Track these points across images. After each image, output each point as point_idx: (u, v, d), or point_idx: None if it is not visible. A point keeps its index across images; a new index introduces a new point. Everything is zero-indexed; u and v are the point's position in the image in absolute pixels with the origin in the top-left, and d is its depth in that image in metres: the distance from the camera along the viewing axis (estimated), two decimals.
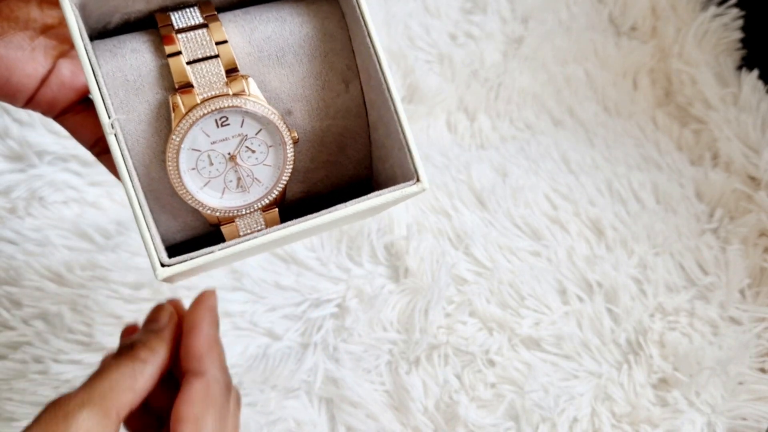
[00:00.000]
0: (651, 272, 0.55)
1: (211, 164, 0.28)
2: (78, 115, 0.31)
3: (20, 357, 0.49)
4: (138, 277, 0.51)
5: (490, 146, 0.63)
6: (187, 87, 0.27)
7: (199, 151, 0.28)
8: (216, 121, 0.28)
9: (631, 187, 0.60)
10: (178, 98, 0.27)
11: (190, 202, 0.29)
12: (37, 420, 0.27)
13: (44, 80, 0.29)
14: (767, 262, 0.57)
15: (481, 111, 0.64)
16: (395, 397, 0.49)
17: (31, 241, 0.52)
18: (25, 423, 0.47)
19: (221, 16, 0.30)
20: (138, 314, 0.50)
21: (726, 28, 0.68)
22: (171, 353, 0.33)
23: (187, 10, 0.28)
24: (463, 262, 0.54)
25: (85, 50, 0.26)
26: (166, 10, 0.29)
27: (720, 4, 0.68)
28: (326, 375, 0.49)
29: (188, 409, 0.30)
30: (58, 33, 0.30)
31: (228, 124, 0.28)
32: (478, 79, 0.65)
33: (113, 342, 0.49)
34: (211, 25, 0.28)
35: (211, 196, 0.29)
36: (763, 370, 0.53)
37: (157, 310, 0.34)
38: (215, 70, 0.27)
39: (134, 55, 0.28)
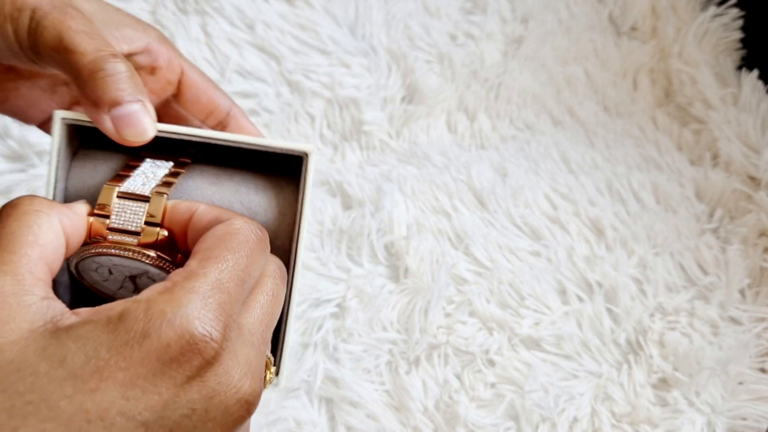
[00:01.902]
0: (651, 272, 0.55)
1: (111, 274, 0.29)
2: None
3: None
4: None
5: (490, 146, 0.63)
6: (103, 216, 0.28)
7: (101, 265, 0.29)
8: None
9: (631, 187, 0.60)
10: (92, 219, 0.28)
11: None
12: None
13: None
14: (767, 262, 0.57)
15: (481, 111, 0.64)
16: (395, 397, 0.49)
17: None
18: None
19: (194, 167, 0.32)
20: None
21: (726, 28, 0.68)
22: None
23: (155, 166, 0.30)
24: (463, 262, 0.54)
25: (56, 165, 0.29)
26: (151, 149, 0.30)
27: (720, 4, 0.68)
28: (326, 375, 0.49)
29: (204, 244, 0.24)
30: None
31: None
32: (478, 79, 0.65)
33: None
34: (155, 194, 0.28)
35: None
36: (763, 370, 0.53)
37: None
38: (138, 210, 0.28)
39: (92, 172, 0.31)
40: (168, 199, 0.28)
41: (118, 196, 0.28)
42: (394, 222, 0.54)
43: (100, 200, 0.28)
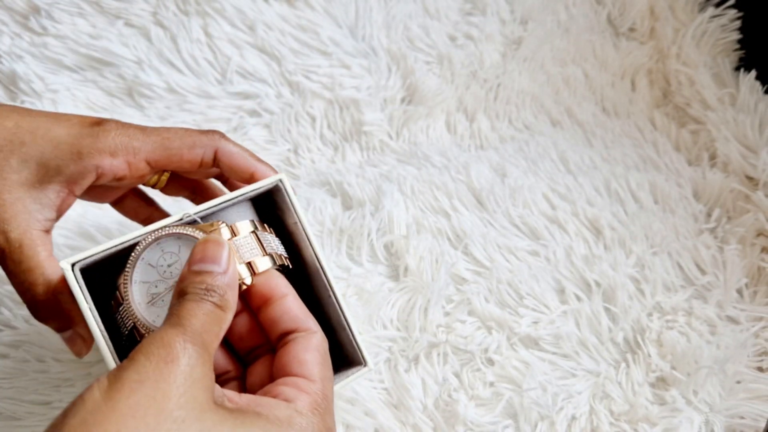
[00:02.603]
0: (649, 272, 0.56)
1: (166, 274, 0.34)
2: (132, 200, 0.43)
3: (21, 356, 0.49)
4: None
5: (489, 147, 0.63)
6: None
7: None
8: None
9: (629, 187, 0.60)
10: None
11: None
12: (139, 350, 0.27)
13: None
14: (765, 262, 0.57)
15: (480, 112, 0.64)
16: (394, 395, 0.49)
17: None
18: (26, 422, 0.47)
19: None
20: None
21: (724, 29, 0.68)
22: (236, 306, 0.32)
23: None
24: (462, 261, 0.54)
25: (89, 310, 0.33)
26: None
27: (718, 5, 0.68)
28: None
29: (319, 370, 0.32)
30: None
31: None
32: (478, 80, 0.65)
33: None
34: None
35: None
36: (760, 369, 0.53)
37: (214, 246, 0.31)
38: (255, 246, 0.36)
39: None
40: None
41: (251, 232, 0.35)
42: (394, 222, 0.55)
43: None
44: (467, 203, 0.58)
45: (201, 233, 0.33)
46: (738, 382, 0.52)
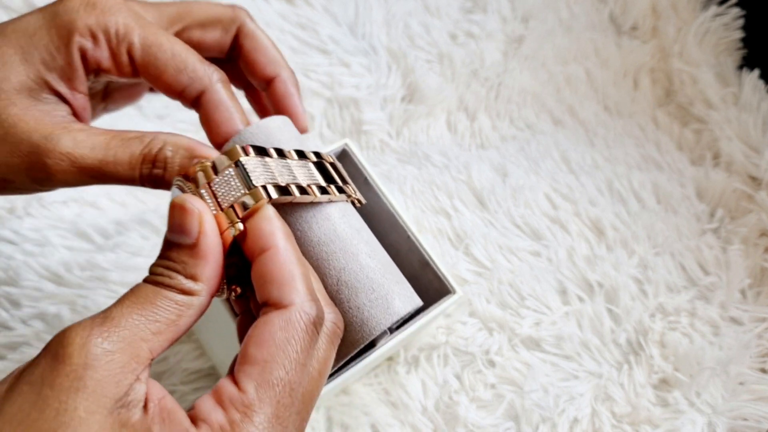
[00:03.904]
0: (651, 272, 0.55)
1: None
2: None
3: (18, 357, 0.48)
4: (137, 277, 0.51)
5: (490, 146, 0.63)
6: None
7: None
8: None
9: (631, 186, 0.60)
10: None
11: None
12: (46, 346, 0.22)
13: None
14: None
15: (481, 111, 0.64)
16: (394, 397, 0.49)
17: (30, 241, 0.52)
18: None
19: None
20: None
21: (727, 27, 0.68)
22: (218, 276, 0.26)
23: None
24: (463, 261, 0.54)
25: None
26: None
27: (721, 3, 0.68)
28: None
29: (259, 351, 0.24)
30: None
31: None
32: (479, 78, 0.65)
33: None
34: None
35: None
36: (763, 371, 0.53)
37: (179, 212, 0.25)
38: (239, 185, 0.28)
39: None
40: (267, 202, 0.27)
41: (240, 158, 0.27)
42: None
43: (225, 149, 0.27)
44: (468, 203, 0.57)
45: (181, 183, 0.28)
46: (741, 384, 0.52)
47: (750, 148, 0.62)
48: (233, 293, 0.27)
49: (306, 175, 0.29)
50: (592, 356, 0.52)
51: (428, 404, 0.49)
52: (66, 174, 0.29)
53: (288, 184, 0.28)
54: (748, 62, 0.67)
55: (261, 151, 0.28)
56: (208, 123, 0.32)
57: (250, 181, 0.26)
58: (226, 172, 0.27)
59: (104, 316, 0.23)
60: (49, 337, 0.48)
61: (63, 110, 0.31)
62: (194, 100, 0.32)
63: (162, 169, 0.29)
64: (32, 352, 0.48)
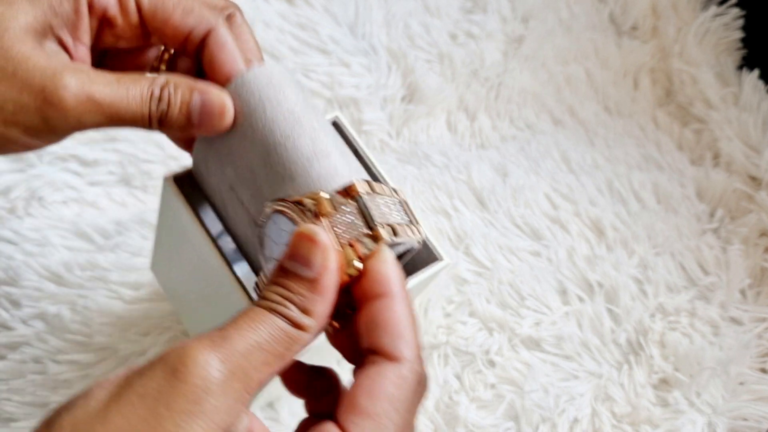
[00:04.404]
0: (651, 272, 0.55)
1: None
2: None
3: (19, 357, 0.48)
4: (137, 277, 0.51)
5: (490, 146, 0.63)
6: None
7: None
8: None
9: (631, 186, 0.60)
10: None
11: None
12: (160, 358, 0.22)
13: None
14: None
15: (481, 111, 0.64)
16: None
17: (31, 241, 0.52)
18: (24, 423, 0.47)
19: None
20: (138, 315, 0.50)
21: (727, 27, 0.68)
22: (329, 315, 0.25)
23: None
24: (463, 262, 0.54)
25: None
26: None
27: (720, 3, 0.68)
28: None
29: (373, 404, 0.23)
30: None
31: None
32: (479, 78, 0.65)
33: (112, 342, 0.49)
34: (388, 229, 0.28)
35: None
36: (763, 371, 0.53)
37: (306, 244, 0.24)
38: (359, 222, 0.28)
39: None
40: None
41: (366, 193, 0.27)
42: None
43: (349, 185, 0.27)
44: (468, 203, 0.57)
45: (299, 211, 0.27)
46: (741, 384, 0.52)
47: (750, 148, 0.62)
48: (332, 328, 0.27)
49: (399, 212, 0.29)
50: (592, 356, 0.52)
51: (428, 404, 0.49)
52: (82, 110, 0.28)
53: (399, 224, 0.27)
54: (748, 62, 0.67)
55: (371, 186, 0.27)
56: (211, 64, 0.31)
57: (372, 220, 0.26)
58: (347, 208, 0.26)
59: (222, 335, 0.22)
60: (49, 337, 0.48)
61: (66, 58, 0.30)
62: (197, 46, 0.32)
63: (166, 105, 0.30)
64: (32, 352, 0.48)
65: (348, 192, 0.27)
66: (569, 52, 0.67)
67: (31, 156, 0.54)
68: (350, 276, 0.25)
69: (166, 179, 0.35)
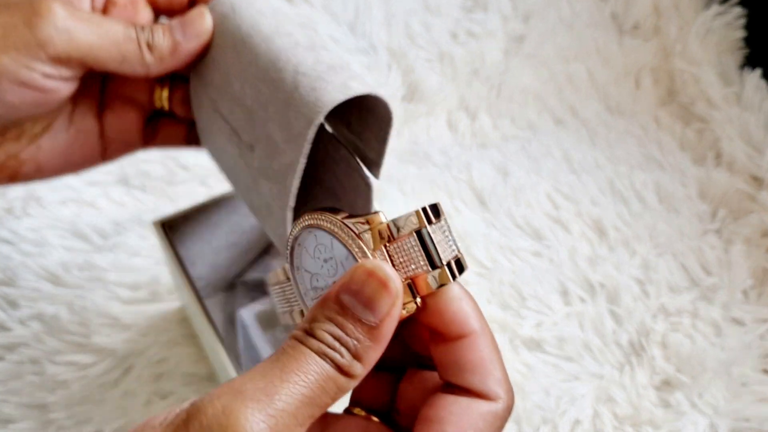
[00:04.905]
0: (653, 273, 0.55)
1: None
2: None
3: (16, 358, 0.48)
4: (136, 277, 0.51)
5: (491, 145, 0.62)
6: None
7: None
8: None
9: (633, 186, 0.60)
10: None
11: None
12: (198, 412, 0.19)
13: None
14: None
15: (482, 110, 0.64)
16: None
17: (28, 241, 0.52)
18: (21, 425, 0.46)
19: None
20: (136, 315, 0.50)
21: (729, 26, 0.67)
22: (377, 361, 0.23)
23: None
24: None
25: None
26: None
27: (722, 2, 0.68)
28: None
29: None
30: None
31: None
32: (479, 77, 0.64)
33: (110, 343, 0.49)
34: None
35: None
36: (766, 372, 0.52)
37: (373, 285, 0.22)
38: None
39: None
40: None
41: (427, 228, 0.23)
42: None
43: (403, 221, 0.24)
44: (469, 203, 0.57)
45: (355, 239, 0.24)
46: (743, 385, 0.51)
47: (752, 148, 0.62)
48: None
49: (453, 238, 0.26)
50: (594, 357, 0.51)
51: None
52: (72, 23, 0.30)
53: (461, 256, 0.24)
54: (750, 61, 0.67)
55: (435, 212, 0.24)
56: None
57: (439, 256, 0.23)
58: (409, 240, 0.23)
59: (267, 390, 0.20)
60: (46, 338, 0.48)
61: None
62: None
63: (150, 33, 0.32)
64: (30, 353, 0.48)
65: (411, 222, 0.23)
66: (570, 51, 0.67)
67: None
68: (408, 311, 0.23)
69: (154, 224, 0.37)
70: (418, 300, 0.23)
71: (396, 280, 0.22)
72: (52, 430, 0.46)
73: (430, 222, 0.23)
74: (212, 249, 0.43)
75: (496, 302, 0.52)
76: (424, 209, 0.24)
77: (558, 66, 0.66)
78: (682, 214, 0.59)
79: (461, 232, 0.55)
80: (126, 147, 0.36)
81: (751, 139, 0.62)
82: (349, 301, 0.22)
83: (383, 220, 0.24)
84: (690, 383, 0.50)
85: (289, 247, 0.26)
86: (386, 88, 0.62)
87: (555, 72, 0.66)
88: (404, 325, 0.24)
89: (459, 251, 0.24)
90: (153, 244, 0.52)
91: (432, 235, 0.23)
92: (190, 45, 0.32)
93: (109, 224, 0.53)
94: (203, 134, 0.35)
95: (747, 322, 0.54)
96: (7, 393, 0.47)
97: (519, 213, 0.56)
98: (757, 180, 0.61)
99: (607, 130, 0.64)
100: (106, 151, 0.36)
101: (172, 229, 0.41)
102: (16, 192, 0.53)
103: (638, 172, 0.61)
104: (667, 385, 0.51)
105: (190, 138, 0.37)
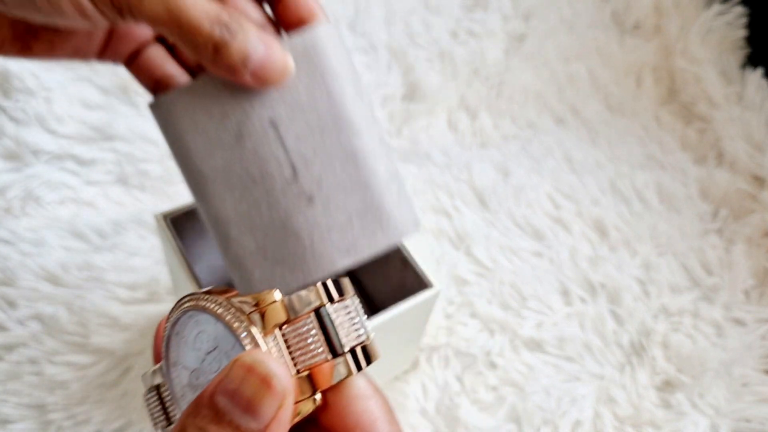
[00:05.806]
0: (654, 273, 0.55)
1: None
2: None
3: (15, 358, 0.48)
4: (135, 278, 0.50)
5: (491, 145, 0.62)
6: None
7: None
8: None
9: (634, 186, 0.59)
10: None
11: None
12: None
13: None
14: None
15: (482, 109, 0.64)
16: (394, 400, 0.49)
17: (27, 241, 0.52)
18: (20, 425, 0.46)
19: None
20: (135, 316, 0.49)
21: (730, 26, 0.67)
22: None
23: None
24: (463, 262, 0.53)
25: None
26: None
27: (724, 1, 0.67)
28: None
29: None
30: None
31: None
32: (480, 77, 0.64)
33: (109, 343, 0.48)
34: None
35: None
36: (767, 372, 0.52)
37: (253, 384, 0.18)
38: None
39: None
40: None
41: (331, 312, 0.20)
42: None
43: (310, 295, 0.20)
44: (469, 203, 0.57)
45: (243, 321, 0.20)
46: (744, 385, 0.51)
47: (753, 148, 0.61)
48: None
49: (362, 317, 0.21)
50: (595, 358, 0.51)
51: (429, 406, 0.48)
52: None
53: (369, 341, 0.21)
54: (751, 61, 0.66)
55: (339, 289, 0.21)
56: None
57: (339, 341, 0.20)
58: (306, 322, 0.20)
59: None
60: (45, 338, 0.48)
61: None
62: None
63: (228, 32, 0.22)
64: (29, 353, 0.48)
65: (306, 298, 0.20)
66: (571, 50, 0.67)
67: (28, 155, 0.54)
68: (304, 412, 0.20)
69: (156, 217, 0.37)
70: (318, 396, 0.19)
71: (282, 377, 0.18)
72: (52, 431, 0.46)
73: (331, 300, 0.20)
74: (212, 249, 0.43)
75: (496, 302, 0.52)
76: (324, 284, 0.20)
77: (558, 65, 0.66)
78: (683, 213, 0.58)
79: (461, 232, 0.55)
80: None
81: (752, 139, 0.62)
82: (225, 404, 0.17)
83: (276, 298, 0.20)
84: (691, 383, 0.50)
85: (165, 338, 0.22)
86: (386, 87, 0.62)
87: (555, 71, 0.66)
88: (301, 427, 0.20)
89: (368, 336, 0.20)
90: (152, 245, 0.52)
91: (331, 315, 0.20)
92: (246, 79, 0.23)
93: (108, 224, 0.53)
94: (200, 117, 0.31)
95: (748, 323, 0.54)
96: (6, 393, 0.47)
97: (519, 213, 0.56)
98: (758, 180, 0.61)
99: (607, 130, 0.63)
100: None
101: (175, 223, 0.40)
102: (15, 191, 0.53)
103: (639, 171, 0.60)
104: (668, 385, 0.51)
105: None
